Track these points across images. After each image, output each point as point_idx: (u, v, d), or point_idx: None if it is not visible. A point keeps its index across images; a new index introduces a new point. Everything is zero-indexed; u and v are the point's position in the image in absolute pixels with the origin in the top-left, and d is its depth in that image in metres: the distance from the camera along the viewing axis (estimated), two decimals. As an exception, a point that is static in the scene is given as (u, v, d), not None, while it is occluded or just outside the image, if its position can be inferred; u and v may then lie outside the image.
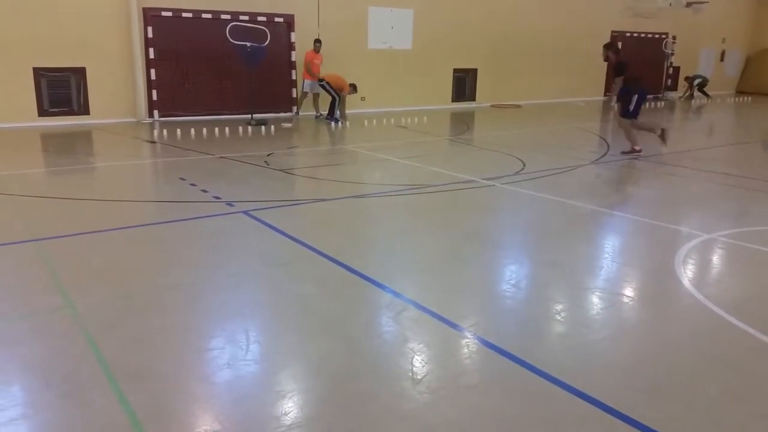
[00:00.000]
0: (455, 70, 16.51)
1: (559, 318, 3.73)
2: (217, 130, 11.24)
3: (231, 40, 11.90)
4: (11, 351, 3.19)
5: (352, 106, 14.27)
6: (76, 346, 3.22)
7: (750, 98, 21.34)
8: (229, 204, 6.12)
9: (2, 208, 5.96)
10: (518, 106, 16.96)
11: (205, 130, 11.13)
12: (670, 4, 19.39)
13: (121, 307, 3.74)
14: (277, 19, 13.48)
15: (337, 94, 12.99)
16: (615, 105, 9.93)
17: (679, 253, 4.85)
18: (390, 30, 15.08)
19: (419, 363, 3.12)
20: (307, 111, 13.87)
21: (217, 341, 3.32)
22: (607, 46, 10.18)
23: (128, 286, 4.06)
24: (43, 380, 2.89)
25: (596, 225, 5.91)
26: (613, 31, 19.59)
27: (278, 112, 13.68)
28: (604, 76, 19.91)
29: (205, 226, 5.47)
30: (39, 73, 11.42)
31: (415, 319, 3.64)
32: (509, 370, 3.07)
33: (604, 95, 20.09)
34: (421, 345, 3.32)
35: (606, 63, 10.73)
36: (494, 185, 7.15)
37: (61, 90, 11.68)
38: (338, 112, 12.99)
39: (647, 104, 18.13)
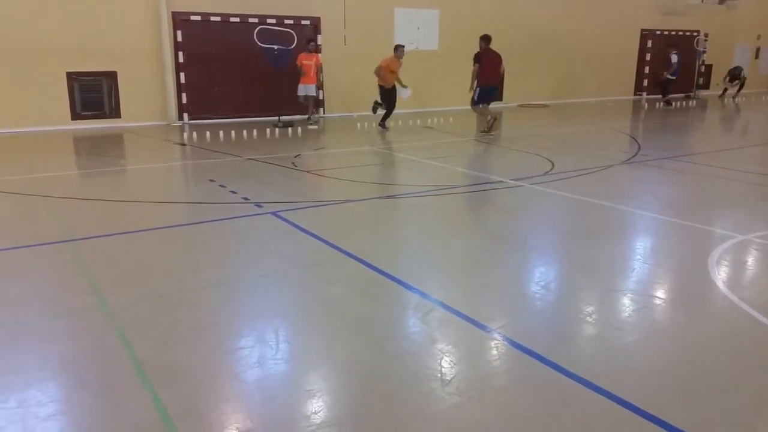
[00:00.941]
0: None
1: (590, 320, 3.69)
2: (245, 132, 11.36)
3: (258, 43, 12.03)
4: (49, 349, 3.26)
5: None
6: (110, 345, 3.28)
7: (786, 96, 20.81)
8: (258, 205, 6.18)
9: (38, 209, 6.11)
10: (546, 106, 16.80)
11: (233, 133, 11.26)
12: (702, 1, 19.01)
13: (153, 306, 3.80)
14: (303, 22, 13.58)
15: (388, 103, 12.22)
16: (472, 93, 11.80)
17: (713, 254, 4.75)
18: (416, 31, 15.07)
19: (447, 364, 3.10)
20: (332, 113, 13.94)
21: (247, 340, 3.35)
22: (481, 38, 11.75)
23: (160, 286, 4.13)
24: (79, 378, 2.95)
25: (628, 226, 5.82)
26: (642, 29, 19.30)
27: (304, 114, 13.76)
28: (635, 75, 19.64)
29: (235, 227, 5.54)
30: (72, 77, 11.69)
31: (443, 320, 3.63)
32: (539, 371, 3.04)
33: (634, 95, 19.79)
34: (449, 346, 3.31)
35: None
36: (523, 186, 7.09)
37: (93, 94, 11.95)
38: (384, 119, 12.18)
39: (678, 103, 17.83)
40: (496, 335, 3.41)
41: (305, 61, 12.23)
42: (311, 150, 9.97)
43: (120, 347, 3.26)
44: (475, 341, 3.39)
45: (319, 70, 12.46)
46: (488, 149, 10.34)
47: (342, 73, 14.02)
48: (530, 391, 2.87)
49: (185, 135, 11.44)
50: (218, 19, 12.70)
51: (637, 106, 17.98)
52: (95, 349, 3.25)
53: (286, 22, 13.23)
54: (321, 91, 14.01)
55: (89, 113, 12.01)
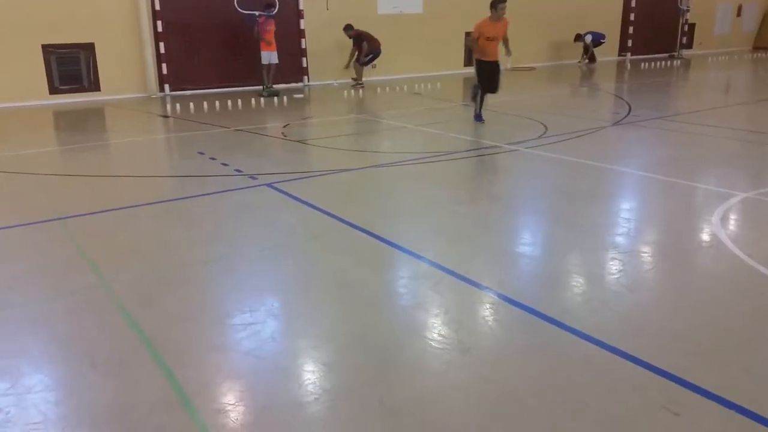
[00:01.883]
0: (467, 34, 16.14)
1: (602, 282, 3.65)
2: (229, 102, 11.11)
3: (239, 9, 11.67)
4: (51, 332, 3.16)
5: (364, 74, 14.05)
6: (115, 325, 3.18)
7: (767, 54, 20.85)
8: (252, 177, 6.04)
9: (25, 187, 5.91)
10: (533, 69, 16.64)
11: (217, 103, 11.00)
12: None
13: (156, 283, 3.69)
14: (285, -14, 13.19)
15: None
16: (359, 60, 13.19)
17: (717, 212, 4.73)
18: (400, -6, 14.73)
19: (465, 333, 3.05)
20: (315, 80, 13.69)
21: (258, 315, 3.27)
22: (345, 28, 13.03)
23: (160, 263, 4.01)
24: (88, 360, 2.86)
25: (628, 187, 5.79)
26: (625, -13, 19.08)
27: (289, 83, 13.49)
28: (618, 36, 19.49)
29: (231, 199, 5.41)
30: (48, 50, 11.29)
31: (455, 288, 3.57)
32: (558, 336, 3.00)
33: (618, 56, 19.68)
34: (465, 315, 3.26)
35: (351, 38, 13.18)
36: (518, 150, 7.01)
37: (70, 67, 11.57)
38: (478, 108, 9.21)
39: (663, 63, 17.77)
40: (510, 302, 3.36)
41: (267, 27, 11.84)
42: (300, 119, 9.78)
43: (126, 326, 3.16)
44: (491, 309, 3.34)
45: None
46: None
47: (324, 39, 13.71)
48: (552, 358, 2.84)
49: (168, 107, 11.15)
50: (197, -15, 12.27)
51: (621, 66, 17.90)
52: (101, 329, 3.15)
53: (267, -13, 12.83)
54: (305, 59, 13.73)
55: (67, 87, 11.64)
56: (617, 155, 6.88)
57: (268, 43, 11.89)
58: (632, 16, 19.36)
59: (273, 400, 2.55)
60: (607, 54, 19.06)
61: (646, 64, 17.65)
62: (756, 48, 23.14)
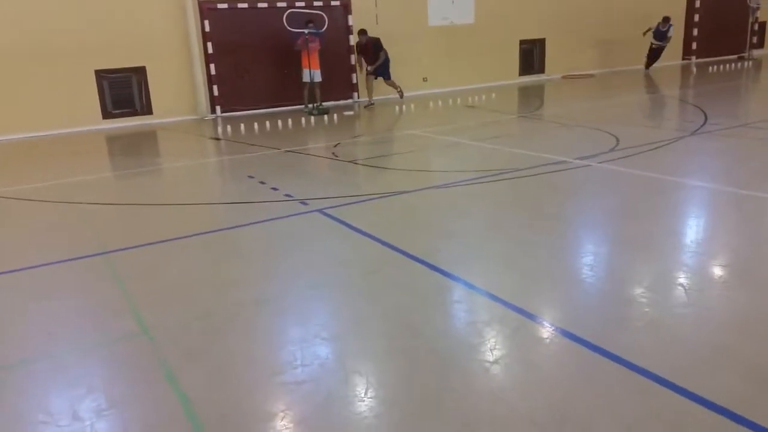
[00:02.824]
0: (521, 42, 15.60)
1: (698, 314, 3.07)
2: (280, 122, 10.89)
3: (288, 28, 11.49)
4: (85, 389, 2.81)
5: (415, 88, 13.67)
6: (155, 383, 2.82)
7: None
8: (303, 203, 5.68)
9: (69, 219, 5.72)
10: (591, 76, 15.90)
11: (268, 123, 10.79)
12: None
13: (200, 330, 3.33)
14: (333, 3, 12.98)
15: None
16: (371, 69, 12.38)
17: (838, 237, 4.06)
18: (450, 4, 14.32)
19: (560, 399, 2.54)
20: (366, 96, 13.37)
21: (311, 370, 2.84)
22: (361, 32, 12.14)
23: (206, 304, 3.66)
24: (122, 428, 2.49)
25: (723, 207, 5.13)
26: (689, -12, 18.11)
27: (338, 100, 13.23)
28: (682, 39, 18.49)
29: (280, 228, 5.05)
30: (101, 75, 11.36)
31: (539, 338, 3.06)
32: (623, 377, 2.46)
33: (683, 59, 18.66)
34: (558, 375, 2.74)
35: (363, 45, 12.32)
36: (590, 165, 6.42)
37: (123, 91, 11.61)
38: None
39: (731, 65, 16.73)
40: (611, 359, 2.82)
41: (311, 44, 11.55)
42: (350, 138, 9.43)
43: (167, 386, 2.79)
44: (589, 367, 2.81)
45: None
46: (541, 126, 9.64)
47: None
48: (617, 391, 2.29)
49: (219, 129, 11.01)
50: (245, 5, 12.19)
51: (686, 71, 16.92)
52: (138, 389, 2.79)
53: (316, 4, 12.65)
54: (354, 75, 13.44)
55: (120, 111, 11.69)
56: (706, 170, 6.19)
57: (305, 61, 11.60)
58: (696, 17, 18.34)
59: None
60: (670, 58, 18.11)
61: (714, 67, 16.61)
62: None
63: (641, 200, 5.30)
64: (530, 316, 3.25)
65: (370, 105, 12.59)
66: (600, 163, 6.47)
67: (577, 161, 6.59)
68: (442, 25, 14.37)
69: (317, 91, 11.92)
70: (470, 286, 3.67)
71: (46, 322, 3.54)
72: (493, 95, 13.16)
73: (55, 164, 8.57)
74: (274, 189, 6.28)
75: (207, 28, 11.93)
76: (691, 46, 18.63)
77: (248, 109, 12.50)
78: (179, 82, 11.98)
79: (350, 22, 13.16)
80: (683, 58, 18.71)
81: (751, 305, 3.27)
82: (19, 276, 4.32)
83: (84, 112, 11.29)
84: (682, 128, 8.27)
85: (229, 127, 10.81)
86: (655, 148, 7.08)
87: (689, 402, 2.43)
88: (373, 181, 6.74)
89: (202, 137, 10.40)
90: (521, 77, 15.75)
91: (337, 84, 13.19)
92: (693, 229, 4.57)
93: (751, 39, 18.93)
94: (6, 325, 3.57)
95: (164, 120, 11.85)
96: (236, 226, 5.16)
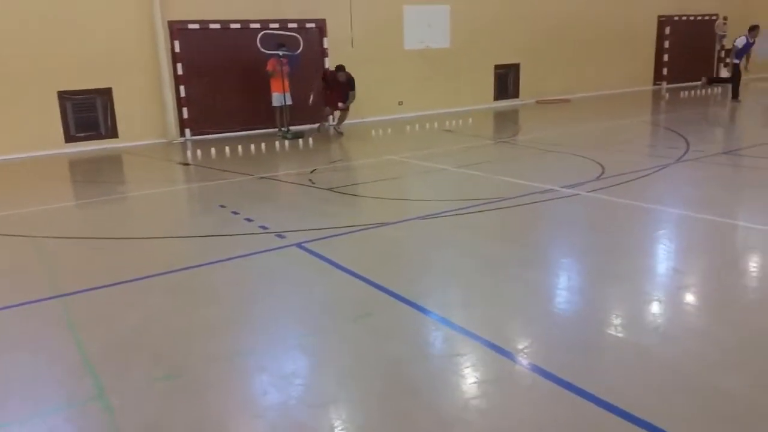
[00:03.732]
0: (497, 67, 15.53)
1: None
2: (253, 146, 10.49)
3: (262, 49, 11.15)
4: (26, 475, 2.38)
5: (390, 111, 13.43)
6: (110, 464, 2.40)
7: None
8: (279, 236, 5.30)
9: (23, 255, 5.23)
10: (567, 101, 15.88)
11: (240, 148, 10.38)
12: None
13: (166, 392, 2.91)
14: (308, 25, 12.71)
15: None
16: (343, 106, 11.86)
17: None
18: (427, 28, 14.18)
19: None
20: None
21: (296, 446, 2.46)
22: (339, 68, 11.51)
23: (173, 359, 3.24)
24: None
25: (719, 238, 4.91)
26: (660, 16, 18.38)
27: (315, 123, 12.89)
28: (653, 64, 18.71)
29: (256, 265, 4.65)
30: (63, 96, 10.82)
31: (548, 394, 2.73)
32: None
33: (653, 84, 18.86)
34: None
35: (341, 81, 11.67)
36: (579, 194, 6.18)
37: (87, 113, 11.08)
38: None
39: (700, 91, 16.95)
40: (601, 406, 2.51)
41: (278, 67, 11.29)
42: (328, 163, 9.08)
43: (124, 467, 2.37)
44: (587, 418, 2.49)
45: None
46: (522, 152, 9.43)
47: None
48: None
49: (188, 153, 10.55)
50: (218, 26, 11.82)
51: (657, 96, 17.06)
52: (90, 472, 2.37)
53: (290, 26, 12.35)
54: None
55: (84, 134, 11.13)
56: (697, 200, 6.00)
57: (278, 85, 11.30)
58: (666, 44, 18.60)
59: None
60: (641, 84, 18.28)
61: (686, 92, 16.78)
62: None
63: (630, 230, 5.06)
64: (545, 374, 2.91)
65: (323, 127, 12.35)
66: (589, 192, 6.24)
67: (565, 189, 6.34)
68: (418, 49, 14.21)
69: (287, 115, 11.60)
70: (467, 333, 3.33)
71: (-14, 384, 3.08)
72: (470, 120, 12.98)
73: (12, 192, 8.02)
74: (248, 220, 5.89)
75: (177, 49, 11.52)
76: (662, 71, 18.85)
77: (219, 132, 12.06)
78: (147, 104, 11.50)
79: (325, 45, 12.90)
80: (654, 83, 18.92)
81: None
82: (-41, 324, 3.84)
83: (45, 136, 10.71)
84: (665, 155, 8.14)
85: (199, 152, 10.36)
86: (643, 176, 6.90)
87: None
88: (353, 211, 6.39)
89: (171, 162, 9.94)
90: (496, 102, 15.65)
91: (313, 107, 12.85)
92: (705, 267, 4.32)
93: (717, 66, 19.25)
94: (-61, 387, 3.10)
95: (131, 143, 11.33)
96: (207, 263, 4.74)
